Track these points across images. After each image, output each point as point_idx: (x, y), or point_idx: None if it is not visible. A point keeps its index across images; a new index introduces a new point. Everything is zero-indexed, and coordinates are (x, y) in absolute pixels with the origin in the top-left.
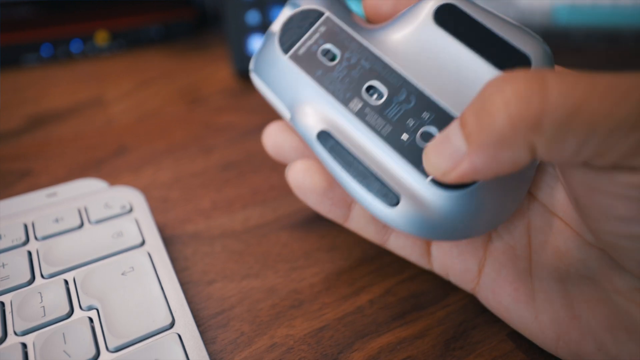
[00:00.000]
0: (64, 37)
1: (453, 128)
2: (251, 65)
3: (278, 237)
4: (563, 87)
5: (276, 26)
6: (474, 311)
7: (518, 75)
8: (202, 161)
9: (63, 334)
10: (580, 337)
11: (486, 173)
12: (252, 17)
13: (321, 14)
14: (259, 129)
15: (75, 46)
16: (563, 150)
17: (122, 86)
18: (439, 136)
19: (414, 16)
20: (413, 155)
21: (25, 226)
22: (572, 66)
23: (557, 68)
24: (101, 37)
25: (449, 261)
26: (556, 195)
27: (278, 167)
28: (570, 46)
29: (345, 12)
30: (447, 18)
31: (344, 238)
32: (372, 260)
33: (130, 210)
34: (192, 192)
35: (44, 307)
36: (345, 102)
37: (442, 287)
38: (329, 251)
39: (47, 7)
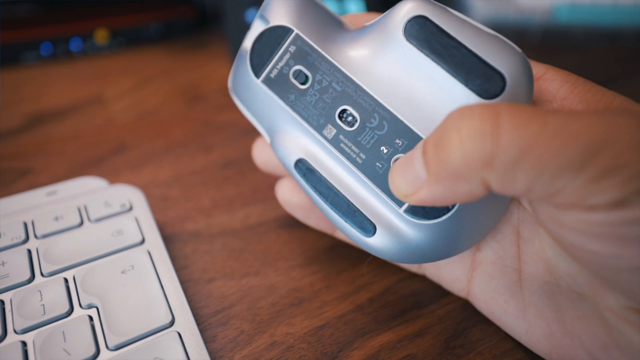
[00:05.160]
0: (63, 36)
1: (417, 153)
2: (229, 84)
3: (278, 235)
4: (516, 126)
5: (248, 43)
6: (474, 309)
7: (474, 112)
8: (202, 159)
9: (63, 332)
10: (573, 353)
11: (444, 201)
12: (252, 15)
13: (290, 31)
14: None
15: (75, 45)
16: (515, 187)
17: (121, 84)
18: (403, 158)
19: (384, 29)
20: (387, 184)
21: (25, 224)
22: (572, 65)
23: (545, 68)
24: (101, 36)
25: (438, 270)
26: None
27: None
28: (570, 45)
29: (316, 23)
30: (419, 32)
31: (344, 236)
32: (371, 260)
33: (130, 208)
34: (192, 190)
35: (43, 305)
36: (319, 129)
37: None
38: (329, 249)
39: (47, 6)
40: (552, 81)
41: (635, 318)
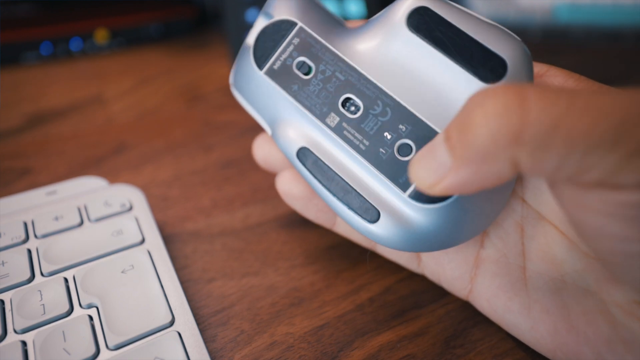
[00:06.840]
0: (63, 36)
1: (438, 142)
2: (231, 80)
3: (278, 235)
4: (543, 103)
5: (251, 38)
6: (474, 309)
7: (499, 91)
8: (202, 159)
9: (63, 332)
10: (578, 349)
11: (471, 187)
12: (252, 15)
13: (294, 24)
14: (259, 126)
15: (75, 44)
16: (545, 166)
17: (121, 84)
18: (424, 149)
19: (387, 21)
20: (391, 170)
21: (25, 224)
22: (572, 65)
23: (547, 67)
24: (101, 36)
25: (440, 268)
26: (550, 202)
27: None
28: (571, 45)
29: (319, 18)
30: (420, 22)
31: (342, 231)
32: (371, 258)
33: (130, 208)
34: (192, 190)
35: (43, 305)
36: (322, 117)
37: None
38: (329, 249)
39: (47, 6)
40: (555, 77)
41: None
